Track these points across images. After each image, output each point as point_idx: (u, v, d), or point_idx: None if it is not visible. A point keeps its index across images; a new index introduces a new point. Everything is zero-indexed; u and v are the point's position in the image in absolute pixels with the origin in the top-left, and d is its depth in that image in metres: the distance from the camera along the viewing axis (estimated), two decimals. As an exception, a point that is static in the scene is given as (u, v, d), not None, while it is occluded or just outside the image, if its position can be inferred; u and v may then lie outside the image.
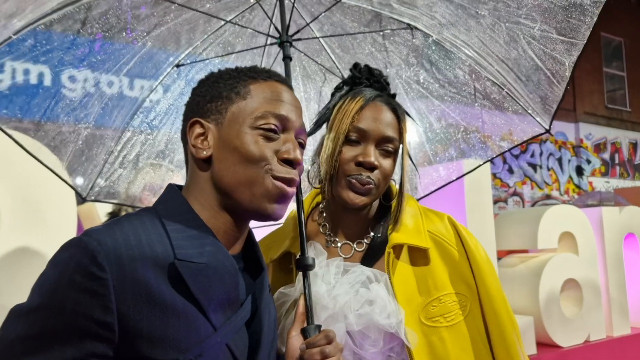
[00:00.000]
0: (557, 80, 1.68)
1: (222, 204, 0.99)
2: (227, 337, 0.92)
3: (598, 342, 3.52)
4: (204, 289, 0.90)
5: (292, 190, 1.00)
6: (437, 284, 1.28)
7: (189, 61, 1.96)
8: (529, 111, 1.78)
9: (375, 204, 1.37)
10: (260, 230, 1.38)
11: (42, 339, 0.78)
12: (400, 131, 1.30)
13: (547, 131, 1.78)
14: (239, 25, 1.91)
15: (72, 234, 2.66)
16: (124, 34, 1.79)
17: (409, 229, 1.31)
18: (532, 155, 13.13)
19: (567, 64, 1.65)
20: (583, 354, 3.40)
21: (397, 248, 1.29)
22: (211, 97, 1.01)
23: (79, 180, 1.99)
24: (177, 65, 1.95)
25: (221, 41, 2.00)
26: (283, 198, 0.99)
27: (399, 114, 1.31)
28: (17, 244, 2.59)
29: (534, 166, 13.14)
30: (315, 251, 1.31)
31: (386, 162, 1.27)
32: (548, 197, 13.22)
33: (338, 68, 2.05)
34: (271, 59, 2.10)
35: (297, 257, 1.24)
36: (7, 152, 2.05)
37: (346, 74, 2.01)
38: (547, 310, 3.30)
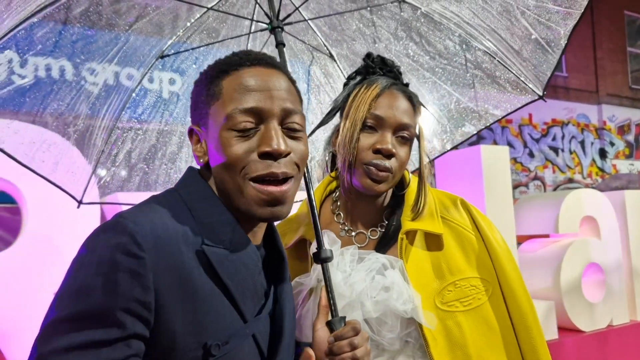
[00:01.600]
0: (552, 49, 1.66)
1: (228, 203, 0.98)
2: (254, 328, 0.93)
3: (621, 327, 3.45)
4: (231, 275, 0.90)
5: (281, 190, 0.93)
6: (451, 269, 1.28)
7: (172, 51, 1.94)
8: (522, 79, 1.75)
9: (389, 192, 1.36)
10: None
11: (85, 319, 0.78)
12: (416, 119, 1.31)
13: (541, 97, 1.75)
14: (220, 12, 1.89)
15: (95, 222, 2.72)
16: (107, 29, 1.78)
17: (422, 215, 1.31)
18: (554, 139, 12.90)
19: (562, 32, 1.63)
20: (606, 338, 3.36)
21: (411, 234, 1.29)
22: (196, 102, 1.00)
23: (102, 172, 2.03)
24: (162, 57, 1.94)
25: (205, 28, 1.98)
26: (273, 200, 0.93)
27: (414, 102, 1.31)
28: (41, 232, 2.66)
29: (555, 149, 12.91)
30: (329, 240, 1.31)
31: (402, 150, 1.28)
32: (570, 180, 12.99)
33: (325, 46, 2.01)
34: (257, 43, 2.07)
35: (315, 249, 1.23)
36: (33, 143, 2.08)
37: (334, 51, 2.03)
38: (569, 295, 3.25)
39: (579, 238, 3.45)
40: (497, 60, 1.78)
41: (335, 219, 1.38)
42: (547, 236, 3.73)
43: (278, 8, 1.56)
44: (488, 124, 1.87)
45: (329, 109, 1.38)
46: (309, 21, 1.96)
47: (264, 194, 0.92)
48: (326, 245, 1.27)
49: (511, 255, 1.34)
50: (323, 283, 1.19)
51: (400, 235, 1.27)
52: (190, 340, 0.84)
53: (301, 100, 1.03)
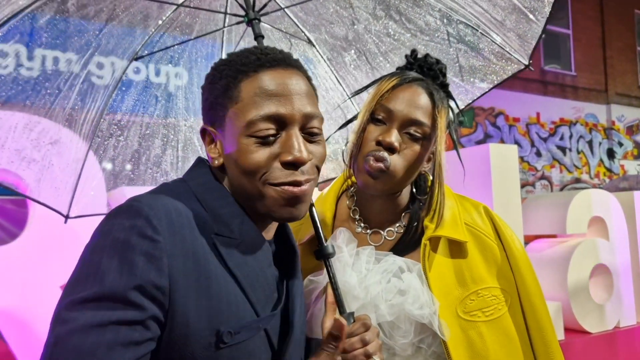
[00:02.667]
0: (536, 17, 1.61)
1: (243, 203, 0.96)
2: (266, 323, 0.93)
3: (629, 328, 3.43)
4: (239, 265, 0.90)
5: (301, 189, 0.92)
6: (474, 277, 1.23)
7: (146, 52, 1.88)
8: (507, 49, 1.70)
9: (407, 191, 1.31)
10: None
11: (102, 300, 0.77)
12: (434, 118, 1.21)
13: (527, 66, 1.70)
14: (191, 7, 1.83)
15: (102, 204, 2.72)
16: (75, 37, 1.73)
17: (446, 221, 1.25)
18: (562, 138, 12.81)
19: (546, 1, 1.58)
20: (613, 340, 3.33)
21: (434, 240, 1.25)
22: (211, 103, 0.96)
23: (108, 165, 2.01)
24: (135, 59, 1.88)
25: (178, 24, 1.93)
26: (293, 200, 0.92)
27: (435, 100, 1.22)
28: (48, 229, 2.66)
29: (563, 149, 12.82)
30: (345, 238, 1.27)
31: (410, 148, 1.19)
32: (578, 180, 12.91)
33: (303, 32, 1.95)
34: (233, 35, 2.00)
35: (328, 247, 1.20)
36: (11, 163, 2.07)
37: (312, 37, 1.95)
38: (576, 296, 3.24)
39: (586, 239, 3.42)
40: (480, 32, 1.72)
41: (351, 214, 1.34)
42: (554, 236, 3.71)
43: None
44: (475, 98, 1.81)
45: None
46: (285, 9, 1.89)
47: (285, 194, 0.91)
48: (342, 243, 1.25)
49: (531, 266, 1.31)
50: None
51: (423, 241, 1.23)
52: (204, 326, 0.84)
53: (317, 98, 1.00)
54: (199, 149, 2.09)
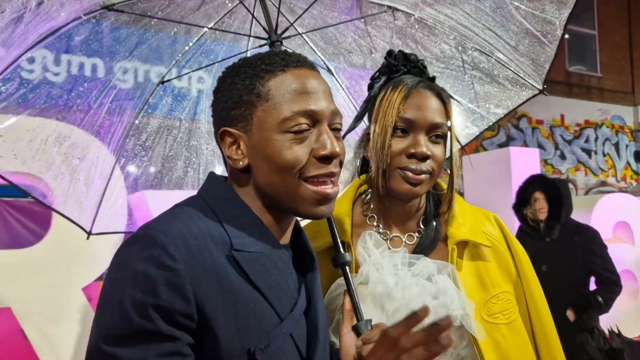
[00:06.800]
0: (549, 40, 1.64)
1: (268, 205, 0.97)
2: (291, 327, 0.93)
3: (657, 336, 3.37)
4: (262, 277, 0.90)
5: (333, 189, 0.95)
6: (493, 282, 1.28)
7: (173, 76, 1.96)
8: (521, 75, 1.74)
9: (424, 195, 1.34)
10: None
11: (135, 336, 0.78)
12: (447, 115, 1.27)
13: (541, 91, 1.73)
14: (220, 30, 1.93)
15: (122, 222, 2.76)
16: (107, 58, 1.82)
17: (468, 226, 1.29)
18: (587, 141, 12.55)
19: (557, 23, 1.61)
20: (639, 347, 3.26)
21: (460, 245, 1.28)
22: (233, 102, 0.95)
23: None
24: (162, 82, 1.95)
25: (203, 50, 2.03)
26: (325, 199, 0.95)
27: (444, 98, 1.27)
28: (72, 231, 2.71)
29: (588, 152, 12.56)
30: (374, 242, 1.29)
31: (438, 149, 1.24)
32: (603, 183, 12.63)
33: (323, 60, 2.04)
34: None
35: (360, 251, 1.24)
36: (40, 174, 2.12)
37: (332, 65, 2.05)
38: (601, 303, 3.17)
39: (611, 244, 3.35)
40: (494, 59, 1.77)
41: (367, 221, 1.35)
42: (578, 241, 3.64)
43: (275, 24, 1.60)
44: (491, 124, 1.86)
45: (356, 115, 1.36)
46: (306, 37, 2.00)
47: (319, 195, 0.93)
48: (371, 246, 1.26)
49: (535, 275, 1.37)
50: (358, 286, 1.19)
51: (451, 245, 1.26)
52: (236, 346, 0.84)
53: None
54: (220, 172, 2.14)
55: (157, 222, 0.87)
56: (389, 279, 1.22)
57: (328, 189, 0.94)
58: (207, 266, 0.84)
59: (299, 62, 0.96)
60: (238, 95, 0.94)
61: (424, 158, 1.22)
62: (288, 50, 1.02)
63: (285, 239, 1.02)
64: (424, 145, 1.21)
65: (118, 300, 0.79)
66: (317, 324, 0.99)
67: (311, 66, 0.98)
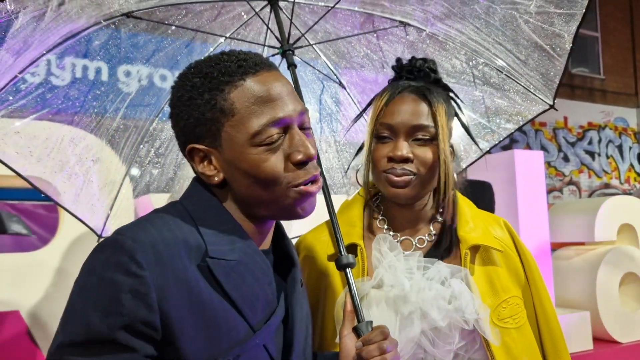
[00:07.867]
0: (558, 54, 1.65)
1: (248, 213, 0.96)
2: (265, 338, 0.90)
3: (663, 340, 3.37)
4: (237, 287, 0.88)
5: (316, 186, 0.95)
6: (503, 286, 1.29)
7: None
8: (531, 89, 1.75)
9: (430, 199, 1.35)
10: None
11: (94, 344, 0.76)
12: (435, 116, 1.25)
13: (552, 106, 1.74)
14: (237, 39, 1.95)
15: (130, 218, 2.78)
16: (125, 64, 1.85)
17: (480, 231, 1.30)
18: (590, 143, 12.53)
19: (566, 36, 1.62)
20: (645, 352, 3.26)
21: (473, 249, 1.29)
22: (195, 120, 0.90)
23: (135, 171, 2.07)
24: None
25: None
26: (308, 197, 0.95)
27: (430, 99, 1.26)
28: (79, 235, 2.73)
29: (591, 154, 12.53)
30: (389, 244, 1.30)
31: (422, 151, 1.24)
32: (607, 185, 12.60)
33: (335, 74, 2.06)
34: None
35: (376, 255, 1.26)
36: (54, 173, 2.12)
37: (344, 79, 2.07)
38: (605, 305, 3.17)
39: (616, 246, 3.35)
40: (505, 74, 1.78)
41: (378, 224, 1.37)
42: (582, 244, 3.64)
43: (288, 34, 1.64)
44: (501, 139, 1.87)
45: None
46: (318, 50, 2.02)
47: (304, 195, 0.93)
48: (386, 250, 1.28)
49: (543, 280, 1.39)
50: (372, 289, 1.20)
51: (464, 250, 1.27)
52: (204, 357, 0.82)
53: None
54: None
55: (129, 227, 0.86)
56: (405, 282, 1.23)
57: (312, 188, 0.94)
58: (177, 274, 0.82)
59: (257, 66, 0.92)
60: (199, 112, 0.90)
61: (404, 160, 1.23)
62: (242, 50, 0.96)
63: (266, 244, 1.01)
64: (402, 148, 1.23)
65: (81, 306, 0.78)
66: (293, 333, 0.97)
67: (269, 66, 0.94)
